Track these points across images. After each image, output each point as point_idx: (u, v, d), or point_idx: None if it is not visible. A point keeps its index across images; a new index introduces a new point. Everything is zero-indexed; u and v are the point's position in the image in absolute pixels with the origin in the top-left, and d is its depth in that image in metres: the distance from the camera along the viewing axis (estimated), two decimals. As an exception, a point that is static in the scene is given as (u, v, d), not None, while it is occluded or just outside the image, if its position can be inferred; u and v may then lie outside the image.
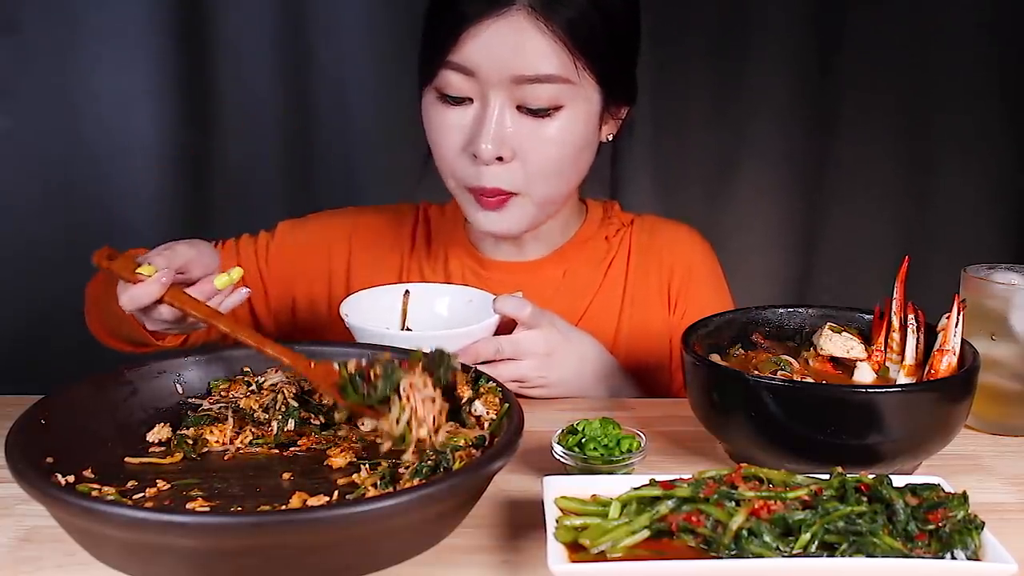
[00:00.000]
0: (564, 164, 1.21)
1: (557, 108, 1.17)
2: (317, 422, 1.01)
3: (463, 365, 1.03)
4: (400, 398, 0.90)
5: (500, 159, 1.17)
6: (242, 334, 1.00)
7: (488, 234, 1.28)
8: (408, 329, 1.23)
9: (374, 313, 1.20)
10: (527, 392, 1.18)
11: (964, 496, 0.80)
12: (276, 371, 1.06)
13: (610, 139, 1.29)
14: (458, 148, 1.19)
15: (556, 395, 1.20)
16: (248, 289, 1.10)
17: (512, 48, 1.13)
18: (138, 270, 1.03)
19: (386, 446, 0.91)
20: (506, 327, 1.17)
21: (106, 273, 1.05)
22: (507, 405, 0.94)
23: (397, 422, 0.89)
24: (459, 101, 1.18)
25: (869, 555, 0.75)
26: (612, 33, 1.19)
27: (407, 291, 1.24)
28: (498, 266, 1.35)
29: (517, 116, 1.17)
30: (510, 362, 1.15)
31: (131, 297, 1.02)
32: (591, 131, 1.22)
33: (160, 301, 1.03)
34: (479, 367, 1.05)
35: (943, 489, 0.82)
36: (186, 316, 1.04)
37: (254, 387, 1.04)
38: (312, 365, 0.98)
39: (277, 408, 1.00)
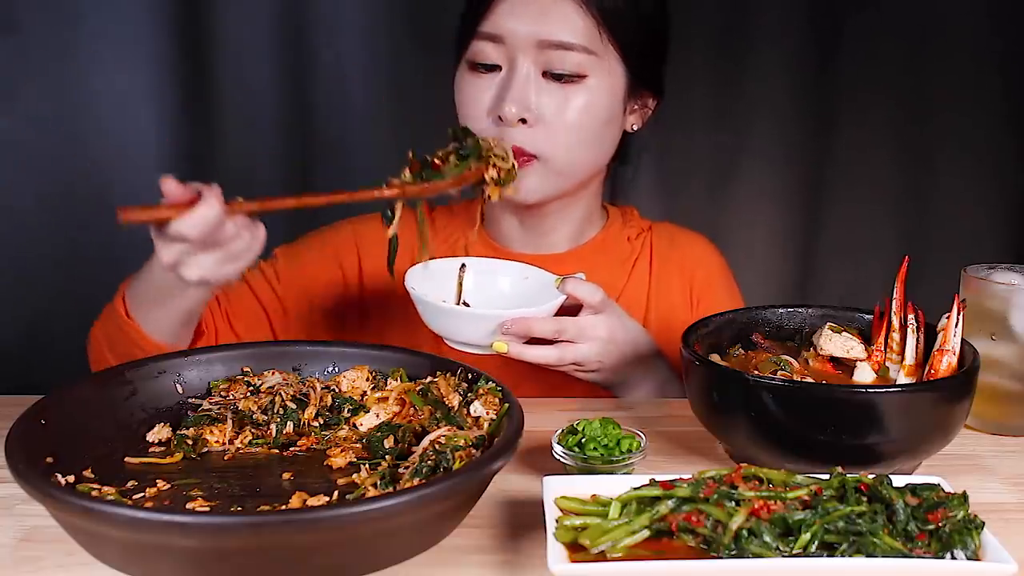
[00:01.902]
0: (587, 134, 1.23)
1: (582, 76, 1.20)
2: (317, 423, 1.01)
3: (452, 368, 1.03)
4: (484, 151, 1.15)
5: (524, 121, 1.20)
6: (308, 199, 1.01)
7: (507, 199, 1.27)
8: (465, 303, 1.23)
9: (433, 286, 1.19)
10: (580, 374, 1.20)
11: (964, 496, 0.80)
12: (275, 372, 1.06)
13: (635, 129, 1.31)
14: (484, 112, 1.22)
15: (605, 381, 1.21)
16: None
17: (539, 13, 1.18)
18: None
19: (496, 193, 1.16)
20: (569, 309, 1.17)
21: (142, 222, 0.93)
22: (507, 405, 0.95)
23: (504, 159, 1.16)
24: (489, 69, 1.22)
25: (869, 555, 0.75)
26: (640, 14, 1.22)
27: (463, 265, 1.25)
28: (522, 258, 1.35)
29: (543, 82, 1.20)
30: (571, 344, 1.15)
31: (193, 224, 0.92)
32: (615, 107, 1.24)
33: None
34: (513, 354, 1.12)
35: (943, 489, 0.82)
36: (242, 223, 0.97)
37: (253, 388, 1.04)
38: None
39: (275, 411, 1.00)
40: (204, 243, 0.96)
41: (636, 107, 1.30)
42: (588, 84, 1.21)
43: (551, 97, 1.20)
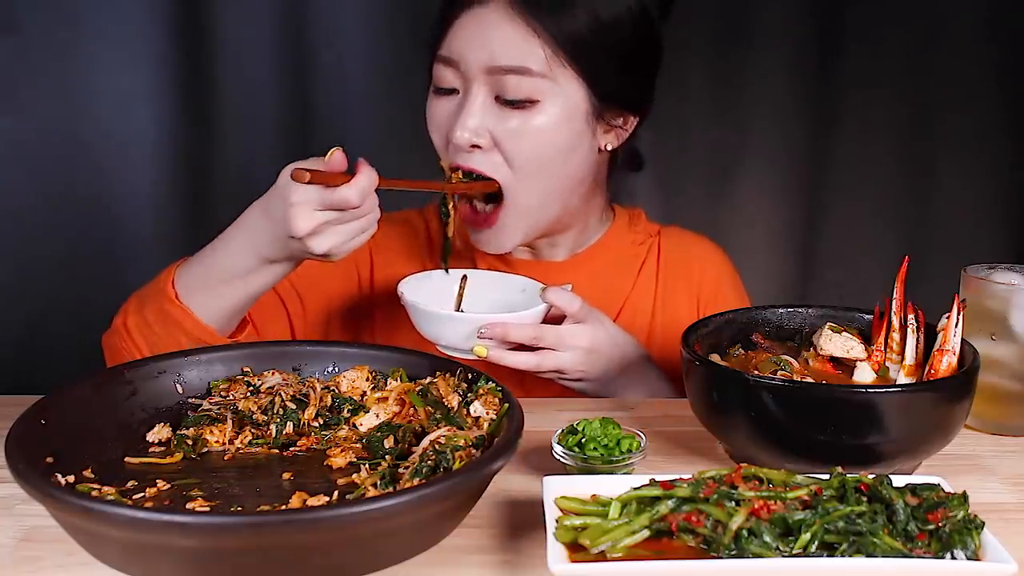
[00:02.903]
0: (546, 161, 1.20)
1: (533, 102, 1.18)
2: (317, 423, 1.01)
3: (452, 369, 1.04)
4: None
5: (478, 147, 1.19)
6: (432, 184, 1.19)
7: (484, 253, 1.30)
8: (461, 311, 1.26)
9: (430, 295, 1.21)
10: (564, 383, 1.21)
11: (964, 496, 0.80)
12: (275, 373, 1.06)
13: (608, 148, 1.28)
14: (444, 138, 1.22)
15: (592, 391, 1.22)
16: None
17: (487, 38, 1.16)
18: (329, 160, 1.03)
19: None
20: (556, 318, 1.19)
21: (320, 183, 1.02)
22: (507, 405, 0.95)
23: None
24: (448, 93, 1.21)
25: (869, 555, 0.75)
26: (603, 35, 1.18)
27: (465, 276, 1.27)
28: (524, 265, 1.35)
29: (495, 107, 1.19)
30: (551, 352, 1.16)
31: (360, 189, 1.02)
32: (577, 130, 1.21)
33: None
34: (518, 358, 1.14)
35: (943, 489, 0.82)
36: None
37: (253, 388, 1.04)
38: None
39: (275, 411, 1.00)
40: (350, 213, 1.03)
41: (609, 127, 1.26)
42: (542, 108, 1.18)
43: (504, 122, 1.18)
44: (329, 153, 1.03)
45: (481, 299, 1.26)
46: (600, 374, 1.20)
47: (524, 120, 1.18)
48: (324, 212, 1.03)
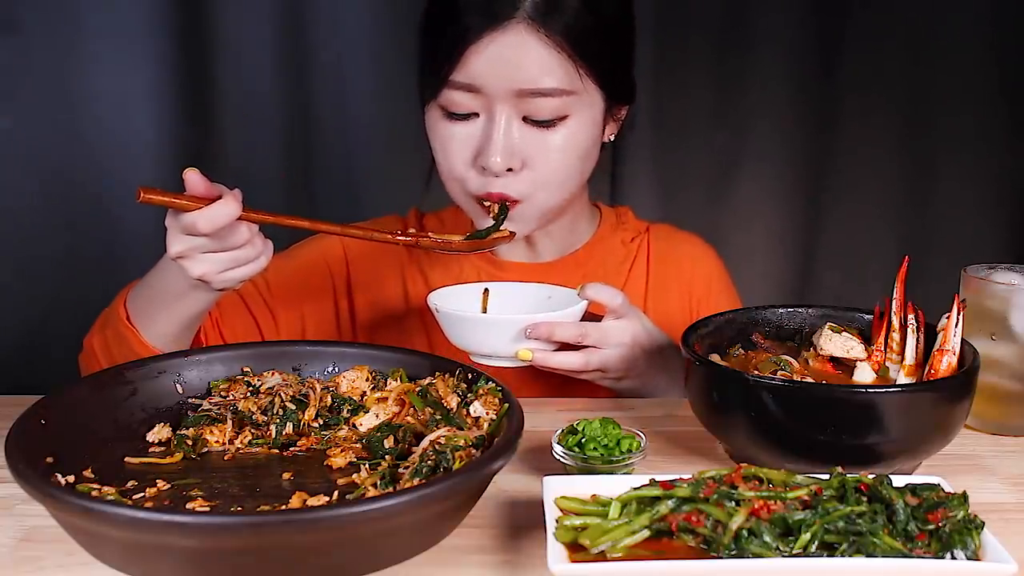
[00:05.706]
0: (569, 171, 1.20)
1: (563, 118, 1.16)
2: (316, 423, 1.01)
3: (451, 369, 1.03)
4: None
5: (510, 169, 1.17)
6: (321, 225, 1.07)
7: (475, 257, 1.29)
8: None
9: (455, 309, 1.17)
10: (607, 382, 1.19)
11: (964, 496, 0.80)
12: (274, 373, 1.06)
13: (611, 139, 1.28)
14: (467, 162, 1.19)
15: (632, 389, 1.20)
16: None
17: (514, 62, 1.12)
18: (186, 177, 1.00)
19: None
20: (590, 319, 1.17)
21: (158, 204, 0.99)
22: (507, 405, 0.95)
23: None
24: (465, 118, 1.17)
25: (869, 555, 0.75)
26: (608, 34, 1.18)
27: (486, 289, 1.25)
28: (514, 267, 1.34)
29: (524, 127, 1.16)
30: (595, 350, 1.14)
31: (207, 219, 0.97)
32: (595, 136, 1.22)
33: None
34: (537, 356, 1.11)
35: (943, 489, 0.82)
36: (250, 230, 1.02)
37: (253, 388, 1.04)
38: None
39: (275, 411, 1.00)
40: (215, 242, 1.00)
41: (611, 119, 1.26)
42: (569, 123, 1.17)
43: (533, 141, 1.16)
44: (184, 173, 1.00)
45: (506, 310, 1.23)
46: (642, 370, 1.18)
47: (552, 136, 1.16)
48: (192, 237, 1.00)
